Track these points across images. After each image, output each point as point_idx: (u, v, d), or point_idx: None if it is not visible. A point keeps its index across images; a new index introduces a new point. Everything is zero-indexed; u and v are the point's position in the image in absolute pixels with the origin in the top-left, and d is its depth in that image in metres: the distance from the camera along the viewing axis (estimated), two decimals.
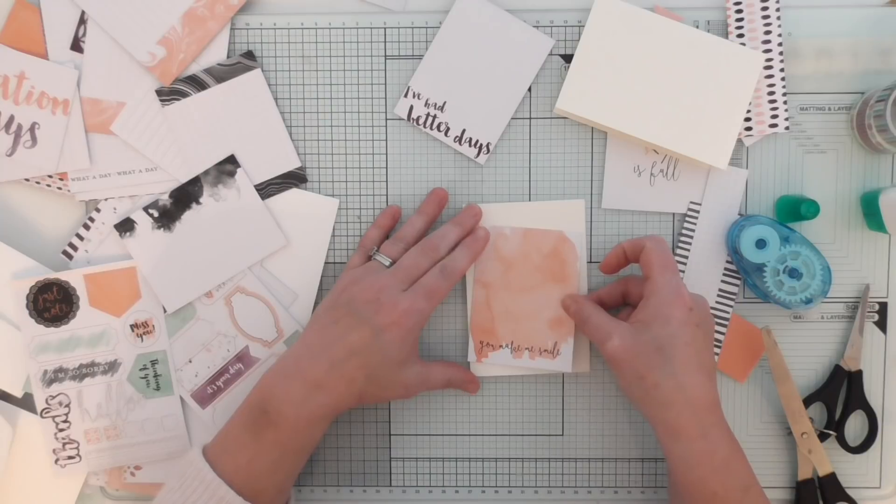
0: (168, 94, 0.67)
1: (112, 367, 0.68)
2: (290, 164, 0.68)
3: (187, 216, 0.67)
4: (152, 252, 0.67)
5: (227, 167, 0.67)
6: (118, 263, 0.68)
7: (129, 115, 0.67)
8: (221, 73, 0.67)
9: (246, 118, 0.68)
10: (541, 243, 0.68)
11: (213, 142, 0.67)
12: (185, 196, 0.67)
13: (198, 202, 0.67)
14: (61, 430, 0.68)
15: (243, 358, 0.69)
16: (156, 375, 0.69)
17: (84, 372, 0.68)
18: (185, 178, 0.67)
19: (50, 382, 0.68)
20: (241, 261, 0.68)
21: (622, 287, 0.67)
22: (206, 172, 0.67)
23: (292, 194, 0.68)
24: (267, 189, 0.68)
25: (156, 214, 0.67)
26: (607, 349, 0.61)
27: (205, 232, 0.68)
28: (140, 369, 0.69)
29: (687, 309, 0.60)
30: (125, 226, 0.67)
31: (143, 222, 0.67)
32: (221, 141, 0.68)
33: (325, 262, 0.69)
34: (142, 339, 0.68)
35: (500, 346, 0.68)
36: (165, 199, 0.67)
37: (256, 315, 0.68)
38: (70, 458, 0.69)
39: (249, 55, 0.68)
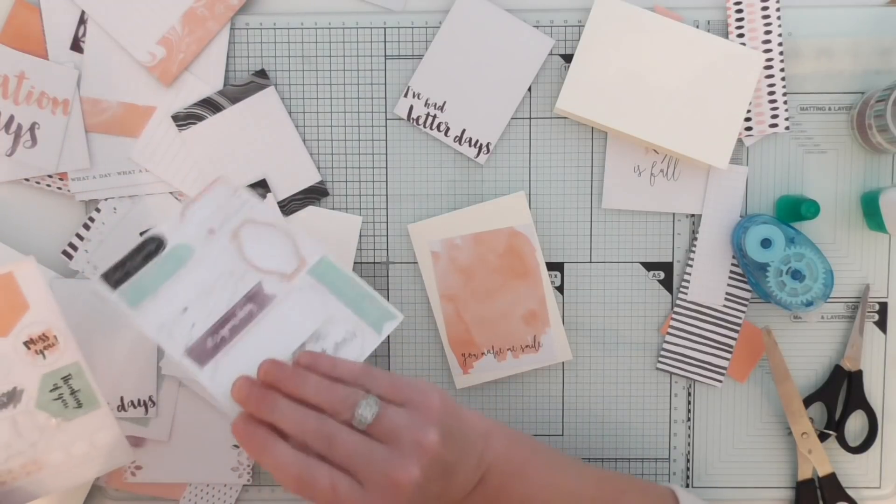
0: (184, 119, 0.67)
1: (11, 397, 0.57)
2: (311, 179, 0.68)
3: None
4: None
5: (258, 191, 0.67)
6: None
7: (146, 141, 0.67)
8: (235, 94, 0.67)
9: (263, 137, 0.68)
10: (494, 244, 0.68)
11: (234, 163, 0.67)
12: None
13: None
14: None
15: (255, 296, 0.55)
16: (73, 392, 0.58)
17: None
18: None
19: None
20: None
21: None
22: None
23: (315, 212, 0.68)
24: (289, 206, 0.68)
25: None
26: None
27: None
28: (51, 390, 0.58)
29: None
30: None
31: None
32: (241, 161, 0.67)
33: None
34: (44, 356, 0.57)
35: (483, 354, 0.68)
36: None
37: (270, 244, 0.56)
38: None
39: (262, 74, 0.67)
